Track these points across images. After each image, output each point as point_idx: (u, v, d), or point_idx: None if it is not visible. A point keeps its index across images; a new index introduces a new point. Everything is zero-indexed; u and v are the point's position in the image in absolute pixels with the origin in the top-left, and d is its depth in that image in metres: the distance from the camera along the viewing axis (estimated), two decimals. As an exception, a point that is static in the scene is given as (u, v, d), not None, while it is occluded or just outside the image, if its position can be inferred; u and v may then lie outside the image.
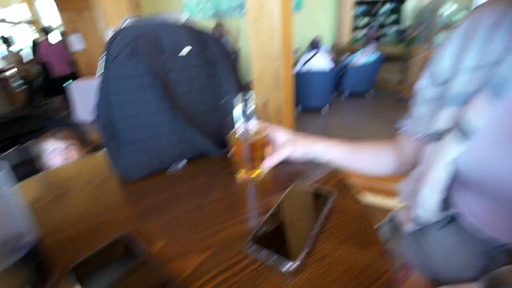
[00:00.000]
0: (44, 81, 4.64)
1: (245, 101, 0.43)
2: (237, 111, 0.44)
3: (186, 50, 0.48)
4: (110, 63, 0.44)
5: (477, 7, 0.37)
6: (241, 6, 4.30)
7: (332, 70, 3.46)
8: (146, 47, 0.45)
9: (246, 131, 0.45)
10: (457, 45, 0.38)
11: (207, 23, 4.42)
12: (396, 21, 6.22)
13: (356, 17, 5.96)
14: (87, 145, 1.13)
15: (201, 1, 4.42)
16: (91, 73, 4.16)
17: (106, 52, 0.45)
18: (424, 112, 0.45)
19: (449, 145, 0.36)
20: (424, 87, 0.44)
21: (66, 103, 4.12)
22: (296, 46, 4.61)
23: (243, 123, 0.44)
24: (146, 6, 4.18)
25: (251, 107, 0.44)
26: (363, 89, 4.02)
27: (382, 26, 6.36)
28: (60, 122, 1.24)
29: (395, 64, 4.33)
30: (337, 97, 4.14)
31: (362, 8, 6.24)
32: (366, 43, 4.00)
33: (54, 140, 1.05)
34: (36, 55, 4.71)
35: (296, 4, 4.81)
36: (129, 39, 0.45)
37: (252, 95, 0.44)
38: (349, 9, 4.77)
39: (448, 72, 0.39)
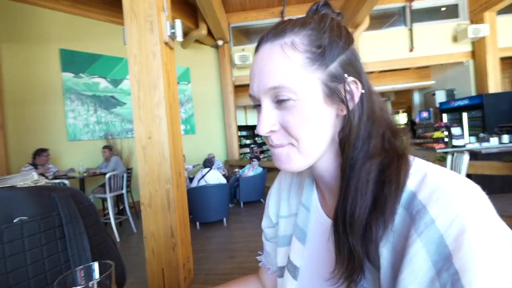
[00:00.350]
0: None
1: (89, 274, 0.39)
2: None
3: (19, 218, 0.44)
4: None
5: (280, 171, 0.53)
6: (132, 130, 4.44)
7: (226, 183, 3.75)
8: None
9: None
10: (275, 197, 0.51)
11: (96, 144, 4.22)
12: (272, 141, 7.96)
13: (241, 137, 7.24)
14: None
15: (89, 123, 4.33)
16: None
17: None
18: (270, 249, 0.51)
19: (288, 281, 0.41)
20: (265, 227, 0.53)
21: None
22: (194, 164, 4.89)
23: None
24: (24, 133, 3.73)
25: (96, 279, 0.40)
26: (257, 198, 4.44)
27: (261, 144, 7.93)
28: None
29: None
30: (235, 207, 4.34)
31: (244, 132, 7.77)
32: (251, 159, 4.73)
33: None
34: None
35: (190, 128, 5.44)
36: None
37: (96, 265, 0.40)
38: (235, 132, 5.76)
39: (274, 217, 0.50)
